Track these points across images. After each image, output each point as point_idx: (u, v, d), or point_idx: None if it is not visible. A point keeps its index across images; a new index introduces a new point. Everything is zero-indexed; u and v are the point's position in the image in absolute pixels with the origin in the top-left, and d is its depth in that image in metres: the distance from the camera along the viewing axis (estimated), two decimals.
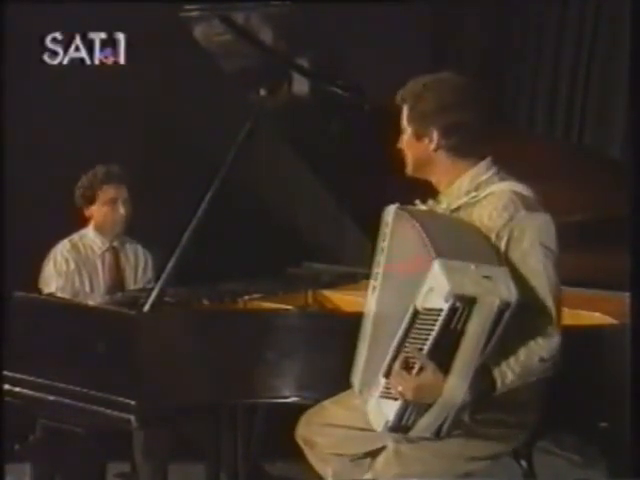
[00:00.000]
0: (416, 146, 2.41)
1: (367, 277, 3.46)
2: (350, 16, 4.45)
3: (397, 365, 2.20)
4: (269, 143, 3.75)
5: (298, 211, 4.94)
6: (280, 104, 3.17)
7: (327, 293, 3.40)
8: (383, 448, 2.47)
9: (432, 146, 2.38)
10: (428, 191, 2.45)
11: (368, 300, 2.45)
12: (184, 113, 4.58)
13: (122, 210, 3.62)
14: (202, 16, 2.90)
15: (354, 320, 2.50)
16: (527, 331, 2.22)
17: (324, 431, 2.59)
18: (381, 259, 2.39)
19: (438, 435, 2.25)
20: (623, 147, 4.22)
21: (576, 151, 3.62)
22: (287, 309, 3.04)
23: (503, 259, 2.24)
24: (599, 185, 3.07)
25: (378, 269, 2.41)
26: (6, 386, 2.94)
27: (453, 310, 2.09)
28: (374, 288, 2.43)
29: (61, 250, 3.64)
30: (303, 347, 2.80)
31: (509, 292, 2.11)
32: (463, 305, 2.09)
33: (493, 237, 2.29)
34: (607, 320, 2.92)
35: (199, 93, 4.50)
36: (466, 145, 2.38)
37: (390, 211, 2.37)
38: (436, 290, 2.11)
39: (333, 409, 2.61)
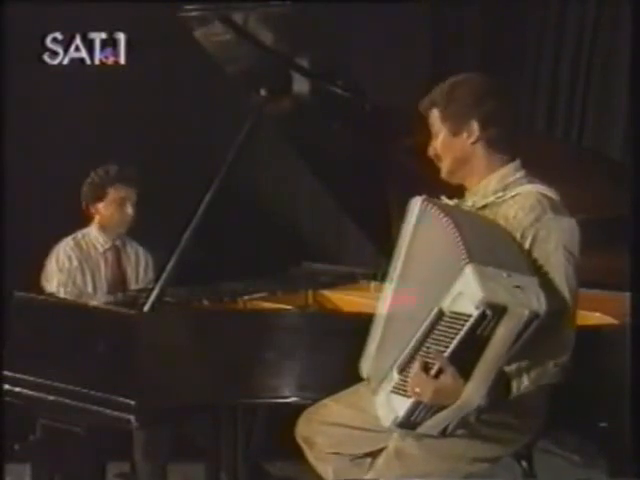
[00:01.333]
0: (454, 144, 2.38)
1: (367, 277, 3.51)
2: (350, 16, 4.45)
3: (417, 366, 2.17)
4: (269, 143, 3.76)
5: (298, 211, 4.94)
6: (280, 104, 3.17)
7: (327, 293, 3.39)
8: (384, 448, 2.46)
9: (472, 139, 2.36)
10: (430, 190, 2.44)
11: (385, 289, 2.42)
12: (184, 113, 4.58)
13: (130, 211, 3.64)
14: (202, 16, 2.90)
15: (354, 320, 2.50)
16: (544, 335, 2.17)
17: (324, 430, 2.58)
18: (403, 250, 2.35)
19: (444, 433, 2.25)
20: (623, 147, 4.22)
21: (576, 151, 3.62)
22: (287, 309, 3.04)
23: (532, 267, 2.21)
24: (599, 185, 3.06)
25: (399, 260, 2.36)
26: (6, 386, 2.94)
27: (482, 317, 2.06)
28: (392, 278, 2.39)
29: (64, 247, 3.65)
30: (303, 347, 2.79)
31: (539, 303, 2.08)
32: (493, 313, 2.05)
33: (518, 236, 2.28)
34: (607, 320, 2.92)
35: (199, 93, 4.50)
36: (503, 137, 2.37)
37: (417, 202, 2.33)
38: (466, 295, 2.07)
39: (334, 407, 2.60)
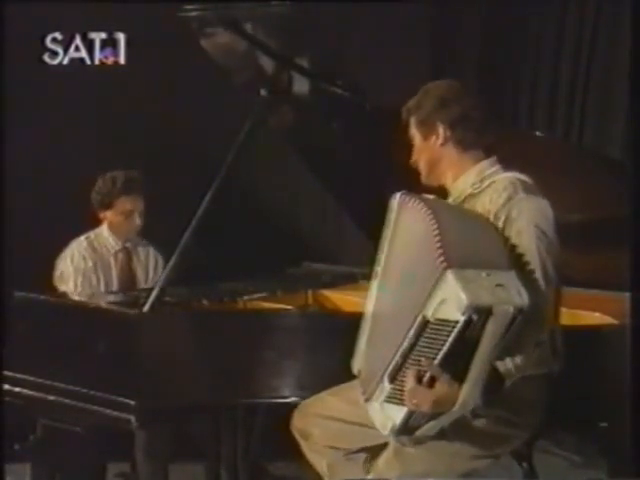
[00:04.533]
0: (426, 147, 2.48)
1: (367, 277, 3.51)
2: (350, 16, 4.45)
3: (411, 379, 2.18)
4: (269, 143, 3.75)
5: (298, 211, 4.94)
6: (280, 104, 3.17)
7: (327, 293, 3.40)
8: (379, 444, 2.46)
9: (440, 141, 2.45)
10: (429, 190, 2.45)
11: (371, 285, 2.45)
12: (184, 113, 4.58)
13: (138, 221, 3.65)
14: (202, 16, 2.91)
15: (354, 320, 2.50)
16: (523, 319, 2.17)
17: (320, 423, 2.58)
18: (385, 246, 2.40)
19: (441, 433, 2.25)
20: (623, 147, 4.22)
21: (576, 151, 3.62)
22: (287, 309, 3.04)
23: (509, 252, 2.23)
24: (599, 185, 3.07)
25: (382, 255, 2.41)
26: (6, 386, 2.94)
27: (468, 322, 2.07)
28: (377, 274, 2.43)
29: (78, 247, 3.65)
30: (303, 347, 2.80)
31: (521, 297, 2.10)
32: (479, 316, 2.07)
33: (492, 217, 2.32)
34: (607, 320, 2.93)
35: (199, 93, 4.50)
36: (471, 137, 2.44)
37: (396, 197, 2.39)
38: (450, 302, 2.09)
39: (331, 401, 2.60)
